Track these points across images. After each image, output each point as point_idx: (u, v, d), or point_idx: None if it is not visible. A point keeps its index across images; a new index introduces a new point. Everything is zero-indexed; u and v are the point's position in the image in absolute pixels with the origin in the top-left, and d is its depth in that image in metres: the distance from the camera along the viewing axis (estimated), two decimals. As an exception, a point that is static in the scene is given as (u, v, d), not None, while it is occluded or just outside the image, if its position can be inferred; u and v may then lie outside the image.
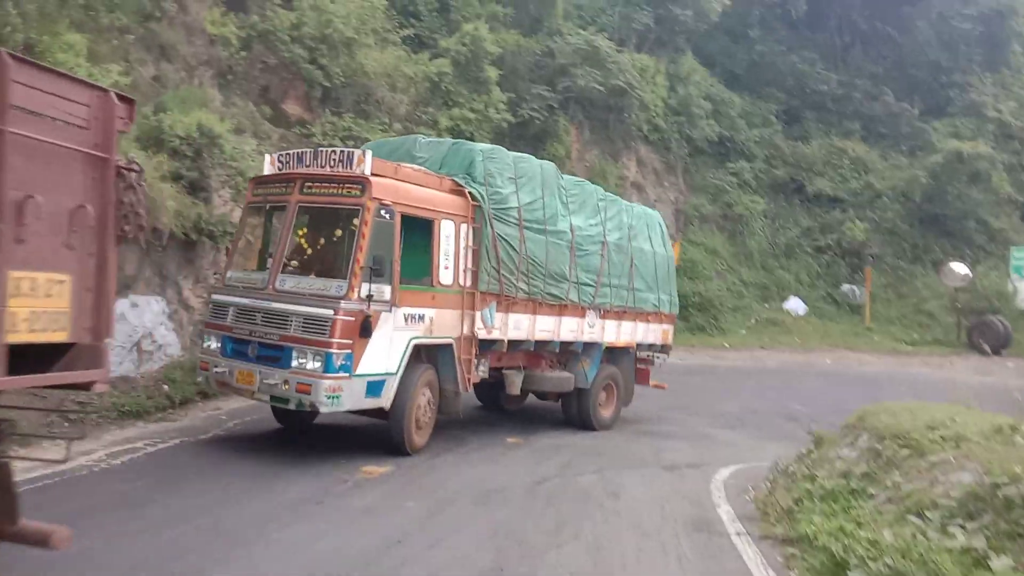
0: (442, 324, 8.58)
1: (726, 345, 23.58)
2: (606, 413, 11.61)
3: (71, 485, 6.32)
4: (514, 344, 9.87)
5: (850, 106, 32.02)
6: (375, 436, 8.54)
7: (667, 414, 13.83)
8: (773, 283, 27.50)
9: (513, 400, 11.40)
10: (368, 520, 6.12)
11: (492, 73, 20.06)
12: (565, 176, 11.43)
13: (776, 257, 28.27)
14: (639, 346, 12.34)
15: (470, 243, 8.98)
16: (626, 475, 8.50)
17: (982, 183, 28.02)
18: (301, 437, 8.84)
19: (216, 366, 8.08)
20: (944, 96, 32.36)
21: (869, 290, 27.22)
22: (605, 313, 11.29)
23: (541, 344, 10.34)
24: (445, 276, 8.73)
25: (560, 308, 10.44)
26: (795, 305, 26.98)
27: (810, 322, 26.51)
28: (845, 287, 27.87)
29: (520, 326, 9.87)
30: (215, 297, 8.72)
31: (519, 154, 10.63)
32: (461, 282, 8.93)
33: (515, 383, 10.33)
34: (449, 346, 8.76)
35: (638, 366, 12.66)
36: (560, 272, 10.39)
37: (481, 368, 9.45)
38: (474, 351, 9.08)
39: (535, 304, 10.05)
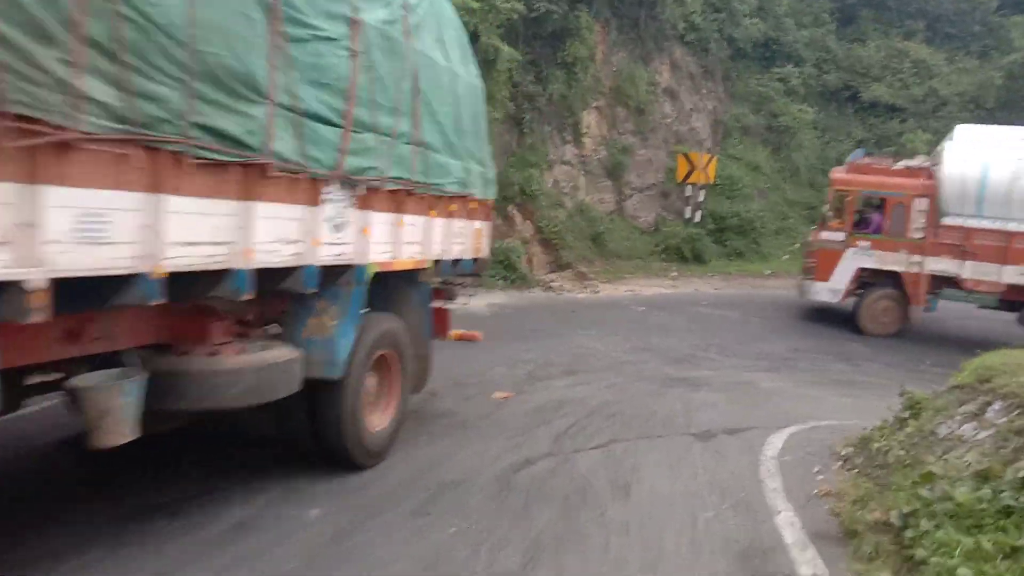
0: None
1: (767, 272, 21.06)
2: (380, 421, 5.50)
3: None
4: (92, 295, 3.24)
5: (913, 3, 28.40)
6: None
7: (699, 354, 11.60)
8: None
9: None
10: (232, 549, 3.93)
11: (500, -44, 17.15)
12: None
13: (826, 173, 25.23)
14: (438, 267, 6.39)
15: None
16: (644, 450, 6.23)
17: (1066, 87, 24.56)
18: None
19: None
20: (1023, -11, 28.50)
21: (931, 209, 24.26)
22: (368, 196, 4.98)
23: (190, 282, 3.63)
24: None
25: (245, 176, 3.86)
26: (846, 227, 24.19)
27: (863, 245, 23.77)
28: (903, 206, 24.92)
29: (111, 229, 3.12)
30: None
31: None
32: None
33: (111, 409, 3.51)
34: None
35: (433, 304, 6.91)
36: (242, 70, 3.74)
37: None
38: None
39: (158, 158, 3.33)
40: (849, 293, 14.39)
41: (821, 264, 14.45)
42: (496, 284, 15.46)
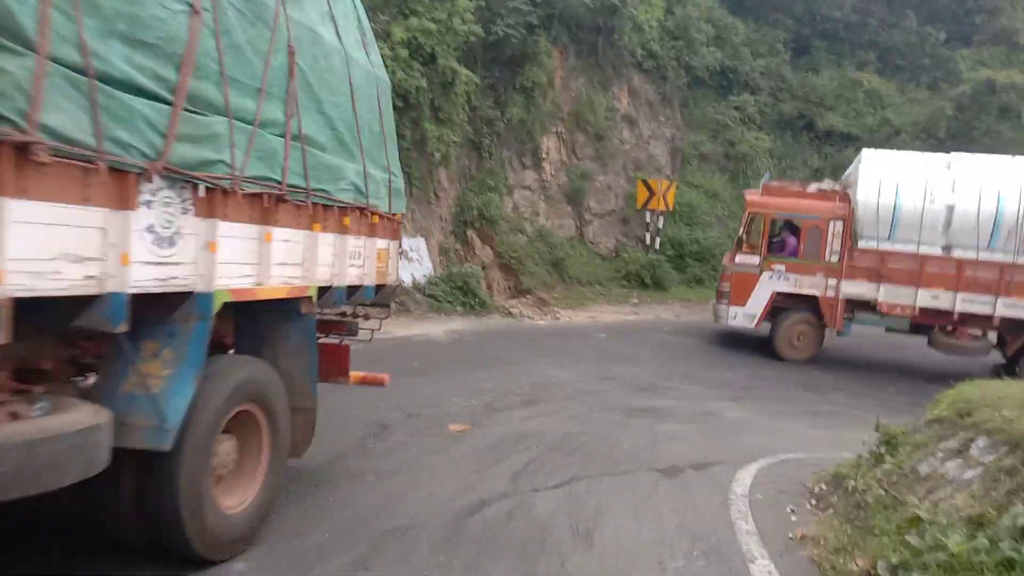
0: None
1: (727, 299, 20.94)
2: (239, 499, 4.23)
3: None
4: None
5: (864, 35, 28.96)
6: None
7: (662, 383, 11.30)
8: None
9: None
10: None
11: (457, -22, 16.92)
12: None
13: (783, 201, 25.46)
14: (325, 295, 5.00)
15: None
16: (608, 489, 5.82)
17: (1012, 119, 25.09)
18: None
19: None
20: (969, 24, 29.22)
21: (887, 237, 24.47)
22: (214, 200, 3.74)
23: None
24: None
25: None
26: (804, 253, 24.27)
27: (821, 272, 23.87)
28: (860, 233, 25.12)
29: None
30: None
31: None
32: None
33: None
34: None
35: (324, 340, 5.66)
36: None
37: None
38: None
39: None
40: (765, 318, 14.11)
41: (736, 289, 14.10)
42: (455, 310, 15.06)
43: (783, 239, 14.28)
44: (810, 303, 13.82)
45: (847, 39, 28.87)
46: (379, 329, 6.07)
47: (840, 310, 13.59)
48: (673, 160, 24.46)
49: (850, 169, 15.09)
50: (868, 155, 14.35)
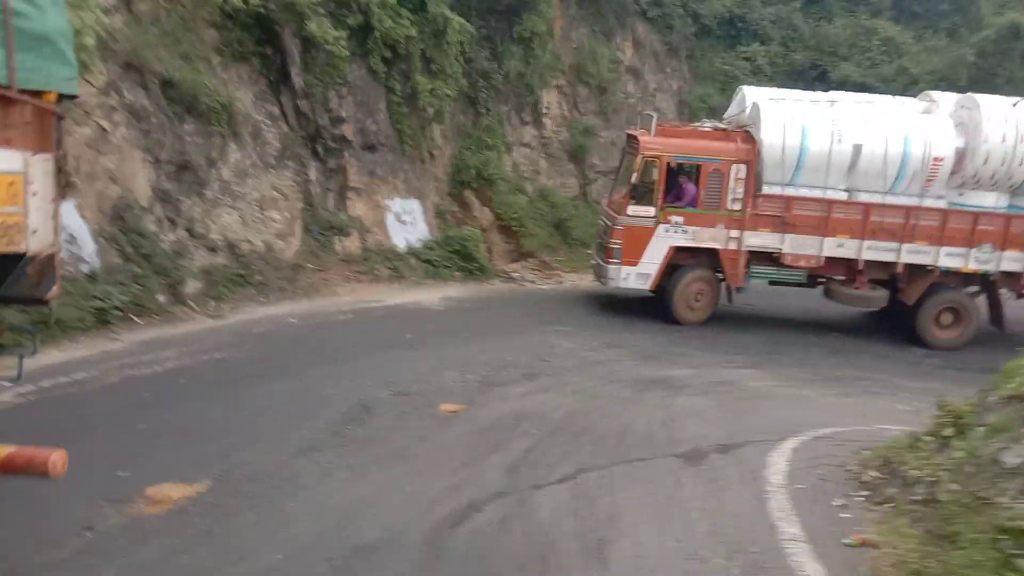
0: None
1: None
2: None
3: None
4: None
5: (879, -19, 27.63)
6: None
7: (674, 349, 10.52)
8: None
9: None
10: None
11: (447, -81, 15.75)
12: None
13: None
14: None
15: None
16: (621, 483, 4.97)
17: (1036, 65, 23.89)
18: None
19: None
20: (990, -34, 27.86)
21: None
22: None
23: None
24: None
25: None
26: (819, 209, 23.29)
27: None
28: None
29: None
30: None
31: None
32: None
33: None
34: None
35: None
36: None
37: None
38: None
39: None
40: (661, 276, 12.43)
41: (629, 245, 12.36)
42: (452, 276, 14.21)
43: (680, 186, 12.60)
44: (709, 257, 12.46)
45: (861, -15, 27.58)
46: (34, 352, 3.50)
47: (743, 264, 12.28)
48: (680, 114, 23.33)
49: (733, 108, 13.59)
50: (752, 92, 13.02)
